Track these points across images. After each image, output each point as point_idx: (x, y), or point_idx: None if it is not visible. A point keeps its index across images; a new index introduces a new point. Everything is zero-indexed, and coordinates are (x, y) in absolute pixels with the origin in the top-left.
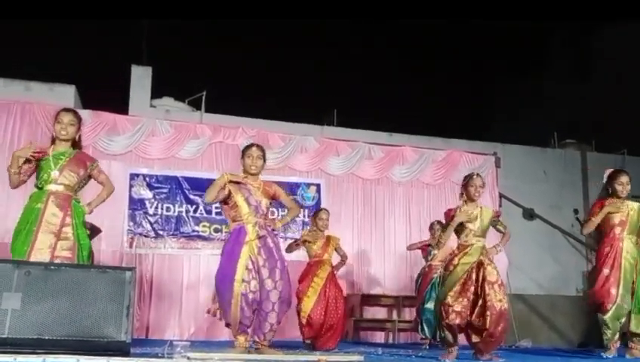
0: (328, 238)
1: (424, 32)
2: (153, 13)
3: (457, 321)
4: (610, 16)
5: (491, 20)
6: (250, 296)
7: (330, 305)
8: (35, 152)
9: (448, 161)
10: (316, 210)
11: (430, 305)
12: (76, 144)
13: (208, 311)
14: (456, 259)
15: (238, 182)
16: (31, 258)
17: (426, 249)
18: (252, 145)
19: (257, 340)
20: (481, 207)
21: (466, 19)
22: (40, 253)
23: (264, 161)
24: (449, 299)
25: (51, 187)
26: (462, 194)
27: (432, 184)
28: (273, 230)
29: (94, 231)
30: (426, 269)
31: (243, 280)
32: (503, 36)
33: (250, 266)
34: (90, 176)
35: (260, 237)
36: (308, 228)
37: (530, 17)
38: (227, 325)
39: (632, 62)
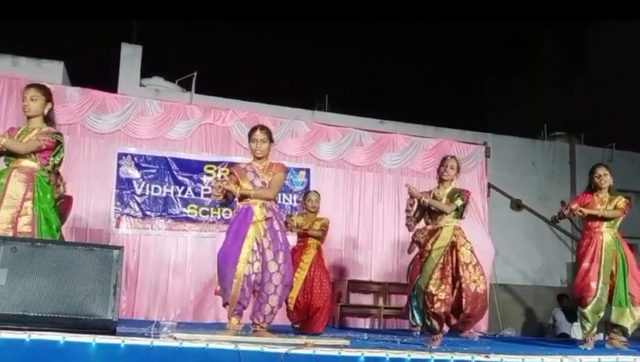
0: (314, 222)
1: (418, 24)
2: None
3: (443, 309)
4: (603, 14)
5: (486, 16)
6: (253, 277)
7: (316, 288)
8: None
9: (439, 149)
10: (306, 192)
11: None
12: (47, 119)
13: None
14: (428, 245)
15: (243, 168)
16: None
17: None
18: (255, 128)
19: (256, 322)
20: (451, 188)
21: (460, 17)
22: (1, 228)
23: (270, 141)
24: (431, 288)
25: (15, 162)
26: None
27: (421, 172)
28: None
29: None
30: (417, 256)
31: (247, 261)
32: (496, 30)
33: (256, 248)
34: (47, 148)
35: (266, 219)
36: (297, 212)
37: (524, 14)
38: (225, 305)
39: (623, 59)
